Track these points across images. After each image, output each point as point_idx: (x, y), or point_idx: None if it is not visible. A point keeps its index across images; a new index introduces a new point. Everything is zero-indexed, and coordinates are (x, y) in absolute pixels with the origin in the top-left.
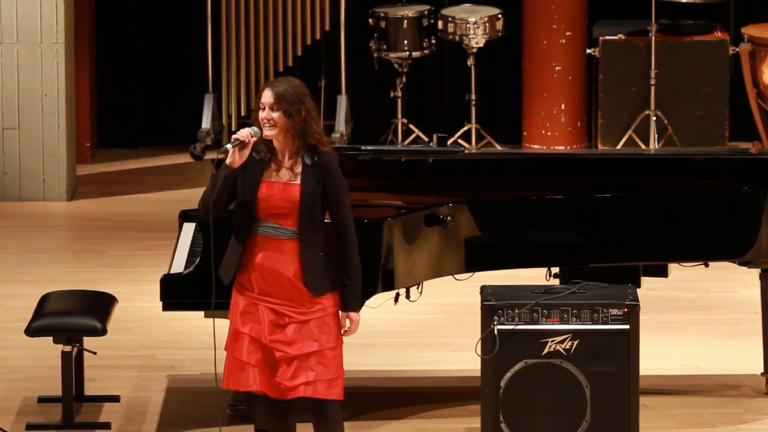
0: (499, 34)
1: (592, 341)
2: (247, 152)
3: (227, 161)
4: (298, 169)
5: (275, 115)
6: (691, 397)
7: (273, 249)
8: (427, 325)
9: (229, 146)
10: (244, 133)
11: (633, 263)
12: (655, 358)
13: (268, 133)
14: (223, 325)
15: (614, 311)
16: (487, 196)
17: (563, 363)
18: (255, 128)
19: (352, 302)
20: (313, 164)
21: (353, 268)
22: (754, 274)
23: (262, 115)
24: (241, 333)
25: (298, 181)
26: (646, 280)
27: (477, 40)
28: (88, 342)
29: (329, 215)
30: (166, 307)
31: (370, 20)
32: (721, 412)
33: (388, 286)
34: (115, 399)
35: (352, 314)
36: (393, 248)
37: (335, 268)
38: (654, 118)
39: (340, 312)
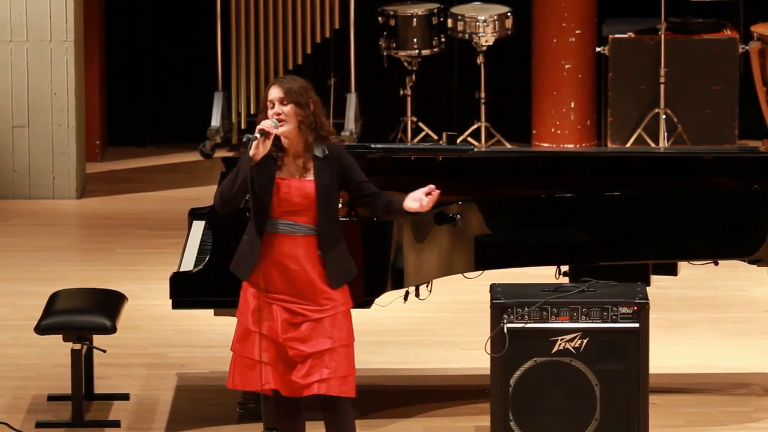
0: (509, 32)
1: (601, 339)
2: (269, 144)
3: (251, 153)
4: (310, 164)
5: (286, 108)
6: (701, 396)
7: (287, 246)
8: (436, 324)
9: (257, 135)
10: (267, 124)
11: (642, 261)
12: (665, 356)
13: (281, 129)
14: (231, 323)
15: (624, 309)
16: (496, 194)
17: (573, 361)
18: (275, 121)
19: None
20: (324, 156)
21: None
22: (763, 272)
23: (271, 112)
24: (252, 332)
25: (312, 177)
26: (655, 279)
27: (486, 38)
28: (98, 340)
29: (352, 195)
30: (175, 306)
31: (380, 18)
32: (730, 411)
33: (398, 284)
34: (125, 397)
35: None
36: (402, 246)
37: (350, 261)
38: (663, 117)
39: (408, 201)
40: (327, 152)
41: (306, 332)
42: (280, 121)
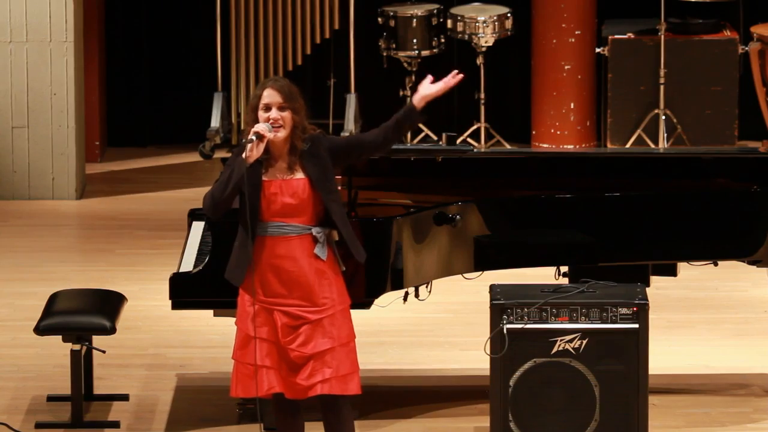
0: (509, 32)
1: (601, 340)
2: (263, 147)
3: (245, 155)
4: (297, 163)
5: (285, 114)
6: (700, 396)
7: (281, 248)
8: (436, 324)
9: (253, 137)
10: (262, 127)
11: (642, 262)
12: (664, 357)
13: (278, 134)
14: (230, 323)
15: (623, 310)
16: (496, 195)
17: (572, 362)
18: (268, 125)
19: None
20: (308, 151)
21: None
22: (763, 273)
23: (267, 115)
24: (252, 338)
25: (302, 175)
26: (655, 279)
27: (486, 38)
28: (98, 341)
29: (350, 155)
30: (175, 306)
31: (380, 19)
32: (730, 411)
33: (398, 285)
34: (124, 398)
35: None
36: (402, 247)
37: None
38: (663, 117)
39: (419, 94)
40: (311, 145)
41: (306, 334)
42: (277, 126)
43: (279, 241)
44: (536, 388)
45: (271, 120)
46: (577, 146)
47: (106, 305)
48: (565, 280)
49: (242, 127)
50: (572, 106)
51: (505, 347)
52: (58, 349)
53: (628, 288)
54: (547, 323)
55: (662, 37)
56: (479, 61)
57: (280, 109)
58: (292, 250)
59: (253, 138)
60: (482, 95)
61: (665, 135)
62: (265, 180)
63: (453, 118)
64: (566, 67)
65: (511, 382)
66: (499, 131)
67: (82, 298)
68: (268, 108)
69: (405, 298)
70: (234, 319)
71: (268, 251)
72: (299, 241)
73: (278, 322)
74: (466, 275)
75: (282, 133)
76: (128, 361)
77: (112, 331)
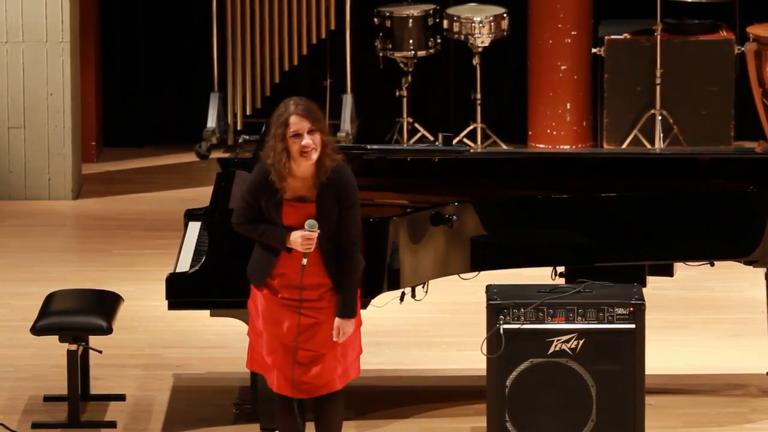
0: (505, 33)
1: (597, 340)
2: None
3: (301, 245)
4: (315, 187)
5: (315, 137)
6: (697, 397)
7: (297, 259)
8: (432, 325)
9: (304, 261)
10: (311, 241)
11: (639, 263)
12: (661, 357)
13: (312, 157)
14: (227, 323)
15: (620, 310)
16: (492, 195)
17: (569, 362)
18: (309, 223)
19: (345, 309)
20: (328, 182)
21: (349, 280)
22: (759, 273)
23: (300, 143)
24: (262, 332)
25: (314, 199)
26: (651, 280)
27: (482, 39)
28: (94, 341)
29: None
30: (171, 306)
31: (376, 19)
32: (727, 412)
33: (394, 285)
34: (121, 398)
35: (343, 321)
36: (399, 247)
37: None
38: (659, 118)
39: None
40: (331, 177)
41: (314, 334)
42: (309, 151)
43: (296, 251)
44: (533, 388)
45: (306, 148)
46: (574, 147)
47: (103, 305)
48: (561, 281)
49: (239, 127)
50: (568, 107)
51: (502, 347)
52: (54, 350)
53: (625, 288)
54: (544, 323)
55: (658, 37)
56: (475, 61)
57: (310, 132)
58: (308, 258)
59: (304, 263)
60: (478, 96)
61: (661, 135)
62: (288, 204)
63: (449, 118)
64: (562, 68)
65: (508, 383)
66: (496, 132)
67: (78, 299)
68: (298, 135)
69: (401, 299)
70: (230, 319)
71: (285, 258)
72: (315, 251)
73: (287, 323)
74: (462, 275)
75: (315, 155)
76: (125, 361)
77: (108, 331)
